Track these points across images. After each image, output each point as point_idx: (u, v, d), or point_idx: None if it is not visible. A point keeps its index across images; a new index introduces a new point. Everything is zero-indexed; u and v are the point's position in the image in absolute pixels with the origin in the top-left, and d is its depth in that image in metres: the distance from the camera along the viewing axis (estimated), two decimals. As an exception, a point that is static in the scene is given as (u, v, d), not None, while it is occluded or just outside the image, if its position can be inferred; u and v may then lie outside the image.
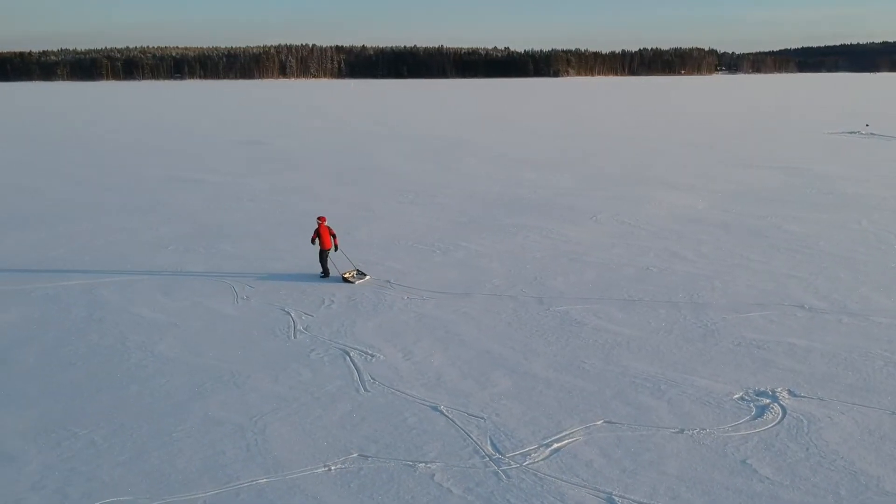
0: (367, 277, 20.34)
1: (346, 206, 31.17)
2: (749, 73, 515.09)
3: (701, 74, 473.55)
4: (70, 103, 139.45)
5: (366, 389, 13.37)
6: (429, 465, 10.78)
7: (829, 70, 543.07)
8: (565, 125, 76.06)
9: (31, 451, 11.30)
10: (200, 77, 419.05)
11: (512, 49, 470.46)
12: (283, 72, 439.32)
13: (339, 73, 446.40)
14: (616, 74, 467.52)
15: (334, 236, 20.60)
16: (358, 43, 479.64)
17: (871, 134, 61.09)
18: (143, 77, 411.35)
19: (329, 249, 20.39)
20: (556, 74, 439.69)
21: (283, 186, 36.55)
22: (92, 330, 16.57)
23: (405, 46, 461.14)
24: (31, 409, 12.76)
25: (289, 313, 17.64)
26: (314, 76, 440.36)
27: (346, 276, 20.26)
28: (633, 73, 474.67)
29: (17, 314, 17.72)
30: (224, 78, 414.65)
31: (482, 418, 12.24)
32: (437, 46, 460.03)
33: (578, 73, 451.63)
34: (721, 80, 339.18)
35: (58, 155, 51.19)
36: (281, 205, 31.16)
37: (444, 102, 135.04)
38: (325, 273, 20.45)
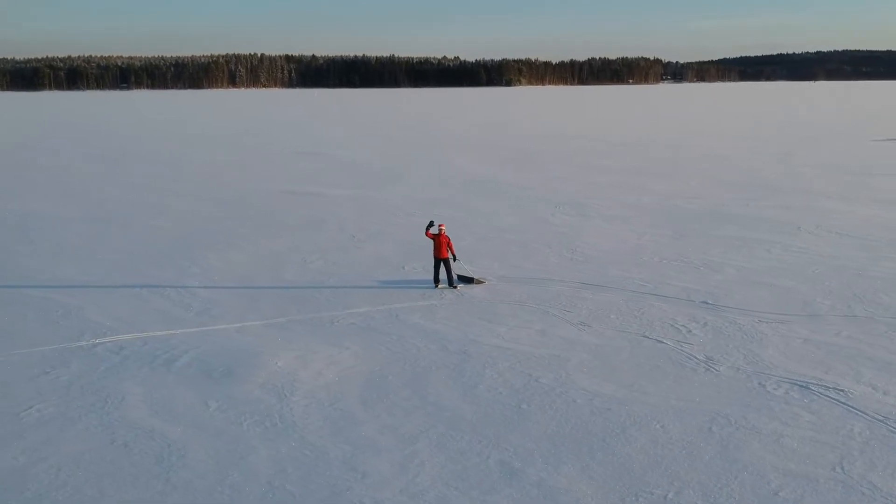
0: (484, 282, 20.51)
1: (514, 218, 29.67)
2: (694, 81, 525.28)
3: (648, 83, 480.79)
4: (54, 115, 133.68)
5: (905, 431, 11.76)
6: None
7: (769, 79, 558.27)
8: (603, 133, 75.14)
9: (655, 522, 9.43)
10: (147, 87, 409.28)
11: (463, 58, 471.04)
12: (233, 81, 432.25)
13: (290, 83, 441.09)
14: (566, 83, 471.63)
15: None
16: (308, 52, 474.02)
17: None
18: (88, 87, 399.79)
19: (445, 258, 19.78)
20: (508, 84, 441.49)
21: (419, 199, 34.75)
22: (475, 365, 14.81)
23: (356, 55, 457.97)
24: (563, 464, 10.90)
25: (662, 342, 15.98)
26: (264, 85, 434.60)
27: (479, 279, 20.49)
28: (582, 82, 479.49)
29: (360, 348, 15.73)
30: (172, 87, 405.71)
31: None
32: (388, 55, 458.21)
33: (530, 83, 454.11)
34: (675, 89, 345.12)
35: (136, 169, 48.11)
36: (448, 219, 29.01)
37: (443, 110, 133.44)
38: (438, 282, 20.09)
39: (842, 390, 13.41)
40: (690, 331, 16.62)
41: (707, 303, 18.62)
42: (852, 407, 12.73)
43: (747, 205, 32.19)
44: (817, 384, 13.70)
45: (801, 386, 13.62)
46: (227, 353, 15.43)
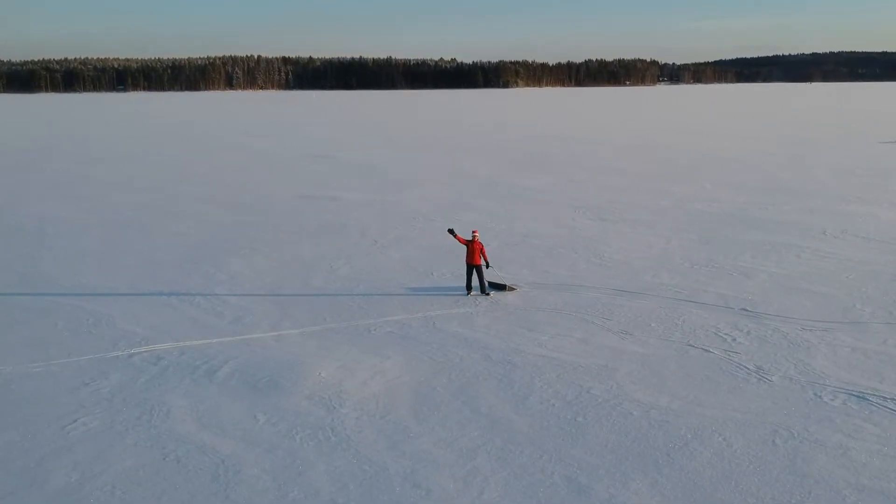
0: (516, 289, 20.10)
1: (535, 223, 29.43)
2: (690, 83, 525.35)
3: (645, 85, 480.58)
4: (53, 117, 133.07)
5: (972, 443, 11.53)
6: None
7: (765, 80, 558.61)
8: (608, 136, 74.93)
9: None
10: (144, 89, 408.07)
11: (460, 60, 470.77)
12: (230, 83, 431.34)
13: (287, 85, 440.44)
14: (563, 85, 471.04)
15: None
16: (305, 54, 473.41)
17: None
18: (84, 89, 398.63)
19: (478, 265, 19.43)
20: (505, 85, 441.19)
21: (436, 203, 34.49)
22: (523, 375, 14.67)
23: (353, 57, 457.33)
24: (631, 480, 10.68)
25: (709, 350, 15.77)
26: (261, 87, 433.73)
27: (510, 286, 20.12)
28: (579, 83, 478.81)
29: (402, 357, 15.50)
30: (169, 90, 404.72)
31: None
32: (385, 57, 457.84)
33: (527, 84, 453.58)
34: (673, 90, 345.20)
35: (144, 173, 47.76)
36: (470, 224, 28.88)
37: (443, 112, 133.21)
38: (470, 289, 19.79)
39: (900, 401, 13.15)
40: (735, 339, 16.40)
41: (746, 310, 18.40)
42: (918, 419, 12.47)
43: (767, 208, 32.00)
44: (874, 394, 13.48)
45: (858, 396, 13.40)
46: (268, 362, 15.17)
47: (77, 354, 15.78)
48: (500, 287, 20.14)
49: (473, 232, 19.90)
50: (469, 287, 19.76)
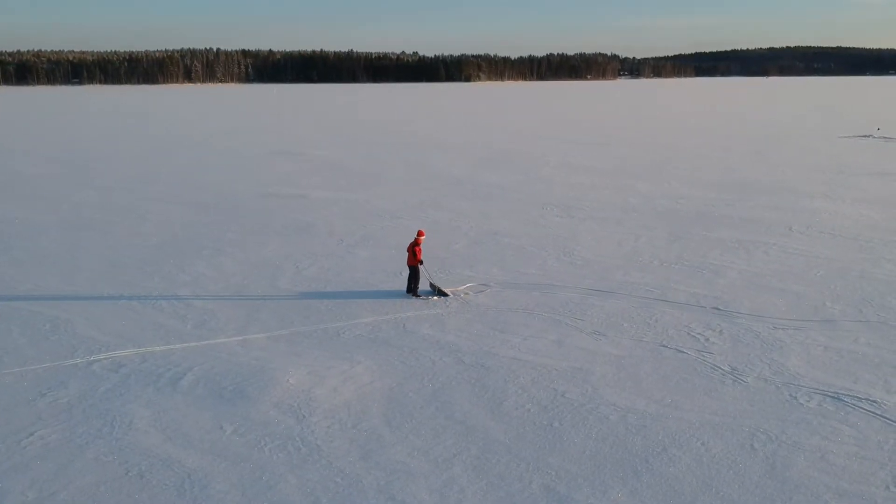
0: (449, 295, 19.42)
1: (504, 221, 29.22)
2: (650, 77, 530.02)
3: (606, 79, 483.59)
4: (6, 113, 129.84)
5: (948, 444, 11.51)
6: None
7: (723, 74, 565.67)
8: (573, 132, 75.03)
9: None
10: (100, 82, 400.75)
11: (422, 54, 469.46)
12: (189, 77, 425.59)
13: (247, 78, 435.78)
14: (525, 80, 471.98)
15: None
16: (264, 47, 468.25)
17: (886, 137, 62.37)
18: (38, 82, 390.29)
19: (412, 265, 19.31)
20: (467, 79, 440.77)
21: (403, 201, 34.06)
22: (496, 380, 14.42)
23: (313, 51, 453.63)
24: (611, 488, 10.45)
25: (682, 351, 15.64)
26: (221, 81, 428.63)
27: (449, 290, 19.48)
28: (540, 78, 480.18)
29: (373, 362, 15.18)
30: (126, 83, 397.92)
31: None
32: (346, 51, 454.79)
33: (489, 79, 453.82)
34: (634, 84, 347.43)
35: (105, 171, 46.56)
36: (438, 223, 28.65)
37: (408, 107, 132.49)
38: (416, 290, 19.32)
39: (874, 401, 13.16)
40: (708, 339, 16.30)
41: (718, 309, 18.33)
42: (889, 419, 12.50)
43: (733, 205, 32.12)
44: (848, 395, 13.44)
45: (833, 397, 13.34)
46: (234, 369, 14.71)
47: (34, 363, 15.17)
48: (438, 291, 19.70)
49: (418, 231, 19.73)
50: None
